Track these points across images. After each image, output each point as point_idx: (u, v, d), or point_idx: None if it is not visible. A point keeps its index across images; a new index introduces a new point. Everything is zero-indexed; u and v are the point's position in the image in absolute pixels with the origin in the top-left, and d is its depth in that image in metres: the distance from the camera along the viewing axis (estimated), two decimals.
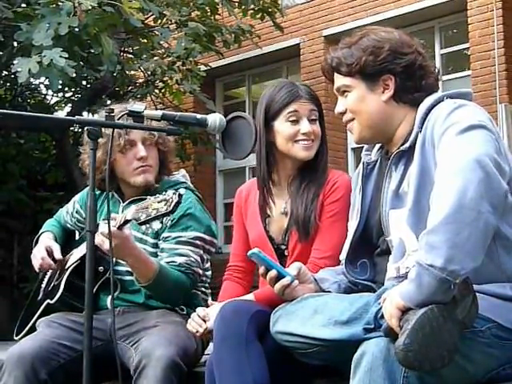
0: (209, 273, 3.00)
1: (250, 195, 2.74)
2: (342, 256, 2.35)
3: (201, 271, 2.82)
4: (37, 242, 3.07)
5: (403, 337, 1.77)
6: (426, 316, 1.78)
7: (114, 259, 2.78)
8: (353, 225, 2.34)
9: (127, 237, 2.55)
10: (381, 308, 1.92)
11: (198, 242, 2.80)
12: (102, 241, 2.52)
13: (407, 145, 2.14)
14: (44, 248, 2.97)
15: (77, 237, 3.12)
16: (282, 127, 2.59)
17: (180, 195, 2.36)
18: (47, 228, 3.13)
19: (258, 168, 2.67)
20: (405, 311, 1.82)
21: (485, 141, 1.90)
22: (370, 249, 2.31)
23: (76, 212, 3.11)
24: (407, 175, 2.13)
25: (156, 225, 2.79)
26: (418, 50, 2.25)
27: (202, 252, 2.81)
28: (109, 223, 2.32)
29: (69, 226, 3.15)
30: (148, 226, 2.74)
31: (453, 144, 1.92)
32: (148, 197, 2.49)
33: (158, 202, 2.37)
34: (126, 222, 2.49)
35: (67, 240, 3.10)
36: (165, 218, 2.70)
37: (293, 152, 2.60)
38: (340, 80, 2.27)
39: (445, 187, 1.83)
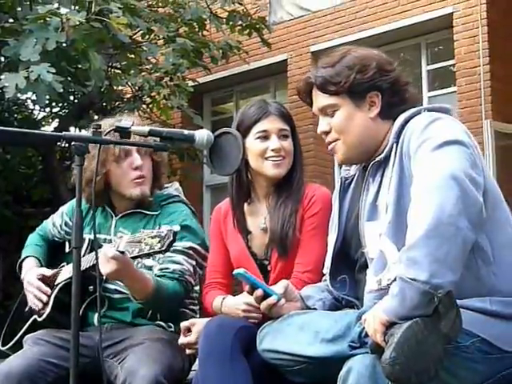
0: (197, 288, 2.99)
1: (229, 212, 2.74)
2: (325, 270, 2.35)
3: (193, 281, 2.80)
4: (20, 266, 3.01)
5: (389, 350, 1.78)
6: (411, 329, 1.79)
7: (104, 277, 2.77)
8: (332, 239, 2.34)
9: (129, 262, 2.51)
10: (364, 328, 1.92)
11: (191, 251, 2.78)
12: (102, 264, 2.45)
13: (382, 155, 2.16)
14: (36, 281, 2.88)
15: (67, 249, 3.06)
16: (252, 145, 2.61)
17: (175, 233, 2.35)
18: (30, 251, 3.05)
19: (229, 185, 2.69)
20: (388, 326, 1.83)
21: (460, 157, 1.91)
22: (349, 264, 2.32)
23: (65, 224, 3.06)
24: (383, 186, 2.14)
25: (148, 262, 2.76)
26: (396, 67, 2.28)
27: (194, 263, 2.79)
28: (95, 237, 2.29)
29: (57, 239, 3.10)
30: (140, 260, 2.71)
31: (428, 160, 1.93)
32: (141, 230, 2.49)
33: (152, 238, 2.35)
34: (121, 253, 2.45)
35: (55, 254, 3.06)
36: (157, 256, 2.66)
37: (263, 170, 2.61)
38: (325, 100, 2.26)
39: (423, 203, 1.84)
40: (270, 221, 2.61)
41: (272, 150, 2.59)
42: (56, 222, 3.10)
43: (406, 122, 2.13)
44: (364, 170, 2.28)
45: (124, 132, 2.26)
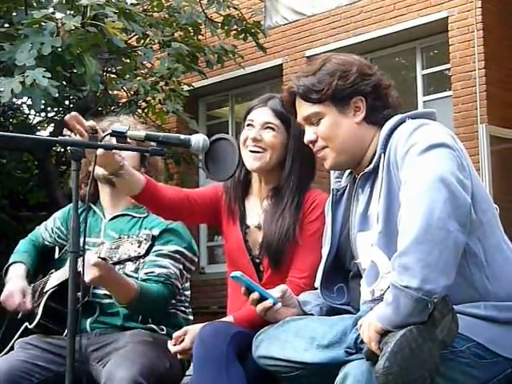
0: (188, 292, 2.99)
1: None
2: (317, 283, 2.34)
3: (179, 285, 2.80)
4: (6, 271, 3.01)
5: (383, 360, 1.76)
6: (404, 338, 1.78)
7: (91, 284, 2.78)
8: (325, 251, 2.33)
9: (111, 268, 2.52)
10: (360, 334, 1.92)
11: (177, 255, 2.78)
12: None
13: (371, 166, 2.15)
14: (19, 291, 2.88)
15: (56, 255, 3.07)
16: (242, 132, 2.62)
17: (153, 237, 2.38)
18: (19, 257, 3.05)
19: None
20: (383, 334, 1.82)
21: (446, 159, 1.91)
22: (344, 273, 2.31)
23: (57, 228, 3.07)
24: (373, 197, 2.13)
25: (129, 266, 2.78)
26: (377, 71, 2.28)
27: (181, 267, 2.79)
28: (84, 243, 2.27)
29: (47, 243, 3.11)
30: (121, 266, 2.73)
31: (415, 164, 1.93)
32: (123, 236, 2.52)
33: (131, 244, 2.39)
34: (103, 259, 2.49)
35: (45, 259, 3.06)
36: (139, 260, 2.70)
37: (244, 159, 2.59)
38: (309, 108, 2.24)
39: (412, 209, 1.84)
40: (267, 231, 2.57)
41: (251, 139, 2.57)
42: (48, 226, 3.12)
43: (392, 131, 2.13)
44: (354, 180, 2.28)
45: (120, 136, 2.27)
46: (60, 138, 2.30)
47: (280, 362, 2.11)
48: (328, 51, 8.61)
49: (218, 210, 2.70)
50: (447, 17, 7.96)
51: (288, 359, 2.08)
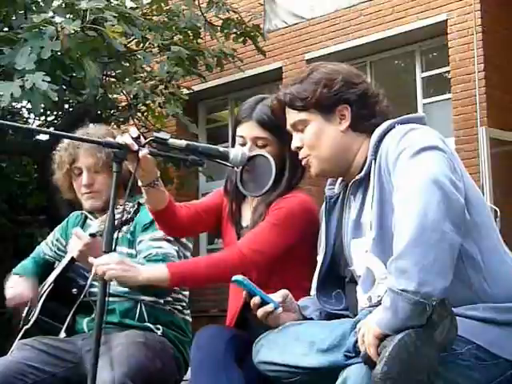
0: (186, 292, 2.98)
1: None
2: (312, 292, 2.33)
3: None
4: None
5: (381, 364, 1.76)
6: (402, 342, 1.77)
7: (89, 281, 2.79)
8: (320, 259, 2.33)
9: (98, 244, 2.50)
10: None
11: (171, 238, 2.79)
12: (71, 248, 2.56)
13: (362, 173, 2.16)
14: (19, 284, 2.97)
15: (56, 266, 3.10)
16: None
17: (139, 203, 2.43)
18: (16, 271, 3.10)
19: (229, 178, 2.67)
20: (382, 338, 1.82)
21: (438, 161, 1.91)
22: (341, 279, 2.32)
23: (56, 240, 3.12)
24: (366, 203, 2.14)
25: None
26: (365, 80, 2.29)
27: (177, 248, 2.80)
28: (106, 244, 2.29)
29: (48, 257, 3.14)
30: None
31: (407, 168, 1.93)
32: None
33: (119, 213, 2.40)
34: (92, 235, 2.57)
35: (46, 273, 3.07)
36: (125, 228, 2.74)
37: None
38: (295, 116, 2.28)
39: (405, 212, 1.83)
40: (250, 225, 2.58)
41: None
42: (48, 240, 3.17)
43: (382, 137, 2.14)
44: (346, 188, 2.28)
45: (162, 143, 2.30)
46: (106, 140, 2.32)
47: (280, 367, 2.11)
48: (327, 54, 8.64)
49: (221, 213, 2.71)
50: (446, 20, 7.98)
51: (288, 364, 2.08)
